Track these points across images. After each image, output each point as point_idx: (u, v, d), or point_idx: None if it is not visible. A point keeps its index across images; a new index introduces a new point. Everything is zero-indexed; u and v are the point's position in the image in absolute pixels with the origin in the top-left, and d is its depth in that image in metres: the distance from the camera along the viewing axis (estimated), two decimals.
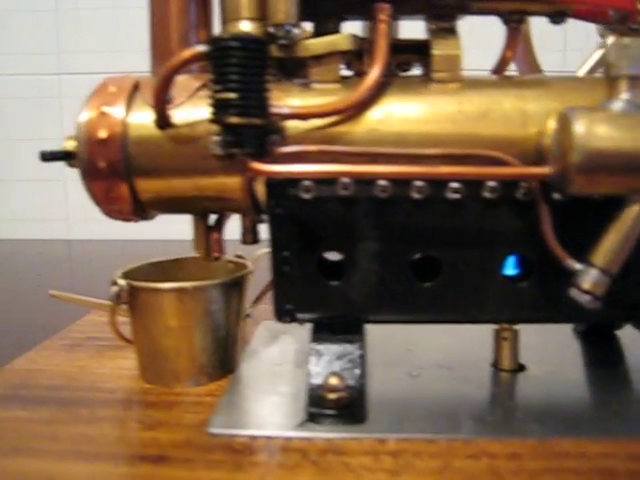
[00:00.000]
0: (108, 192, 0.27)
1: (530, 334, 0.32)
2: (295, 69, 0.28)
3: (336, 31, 0.28)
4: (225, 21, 0.27)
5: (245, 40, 0.23)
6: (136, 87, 0.28)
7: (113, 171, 0.27)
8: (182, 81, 0.27)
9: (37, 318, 0.51)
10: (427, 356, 0.33)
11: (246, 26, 0.27)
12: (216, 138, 0.24)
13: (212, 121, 0.24)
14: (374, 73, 0.25)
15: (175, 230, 0.91)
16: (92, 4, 0.87)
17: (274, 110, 0.24)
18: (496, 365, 0.32)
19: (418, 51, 0.29)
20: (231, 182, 0.27)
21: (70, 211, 0.91)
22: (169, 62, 0.25)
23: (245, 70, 0.23)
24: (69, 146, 0.29)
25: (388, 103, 0.26)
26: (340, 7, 0.27)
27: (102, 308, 0.36)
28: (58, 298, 0.35)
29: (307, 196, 0.26)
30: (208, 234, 0.30)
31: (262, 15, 0.27)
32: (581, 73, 0.31)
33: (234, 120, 0.23)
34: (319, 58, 0.26)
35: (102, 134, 0.26)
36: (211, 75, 0.24)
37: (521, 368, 0.32)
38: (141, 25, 0.91)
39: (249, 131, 0.23)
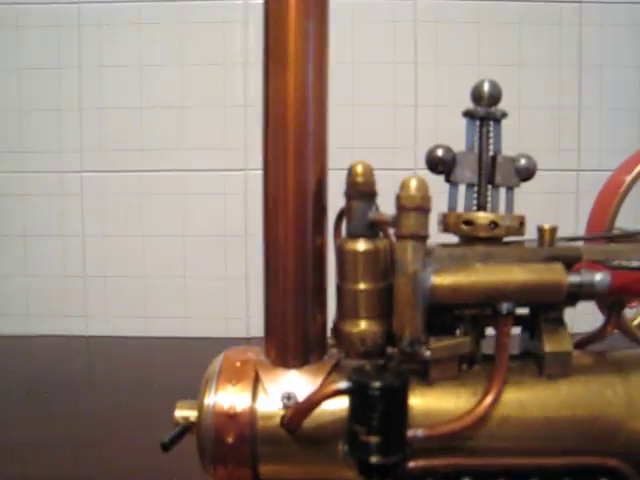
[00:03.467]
0: (229, 475, 0.28)
1: None
2: None
3: (451, 326, 0.29)
4: (344, 316, 0.28)
5: (389, 389, 0.24)
6: (257, 378, 0.28)
7: (238, 461, 0.28)
8: (304, 373, 0.28)
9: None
10: None
11: (365, 325, 0.28)
12: (345, 447, 0.26)
13: (350, 455, 0.25)
14: (495, 388, 0.27)
15: (193, 329, 0.92)
16: (116, 103, 0.88)
17: (410, 434, 0.25)
18: None
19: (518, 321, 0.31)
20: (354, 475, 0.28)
21: (89, 307, 0.91)
22: (312, 397, 0.25)
23: (388, 415, 0.24)
24: (181, 418, 0.29)
25: (505, 406, 0.27)
26: (458, 308, 0.28)
27: None
28: None
29: None
30: None
31: (380, 312, 0.28)
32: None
33: (375, 460, 0.24)
34: (440, 360, 0.28)
35: (230, 438, 0.27)
36: (350, 409, 0.25)
37: None
38: (164, 124, 0.93)
39: (388, 465, 0.25)
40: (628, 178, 0.35)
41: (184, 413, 0.29)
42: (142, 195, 0.89)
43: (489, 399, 0.27)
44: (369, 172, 0.27)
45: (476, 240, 0.29)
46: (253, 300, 0.88)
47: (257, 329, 0.88)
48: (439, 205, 0.29)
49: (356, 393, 0.24)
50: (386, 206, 0.28)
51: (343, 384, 0.24)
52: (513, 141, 0.92)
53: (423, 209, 0.25)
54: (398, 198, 0.26)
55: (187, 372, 0.75)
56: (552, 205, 0.86)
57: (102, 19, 0.87)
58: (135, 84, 0.87)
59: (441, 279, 0.26)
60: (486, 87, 0.30)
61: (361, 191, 0.27)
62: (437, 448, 0.27)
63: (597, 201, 0.36)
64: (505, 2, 0.86)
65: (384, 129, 0.87)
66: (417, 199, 0.25)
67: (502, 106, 0.95)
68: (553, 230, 0.29)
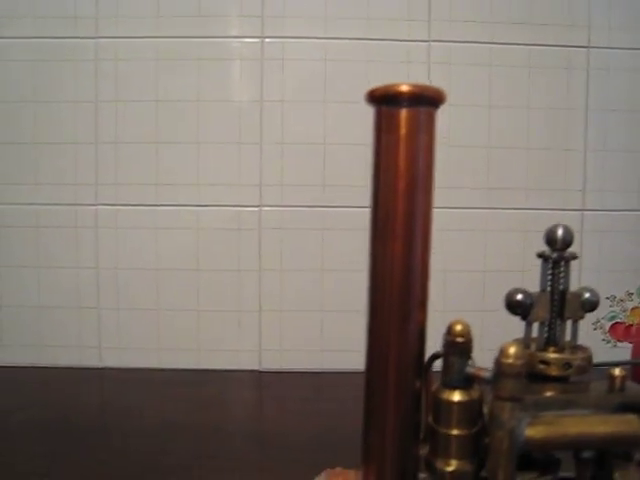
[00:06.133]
0: None
1: None
2: None
3: (531, 460, 0.32)
4: (437, 453, 0.31)
5: None
6: None
7: None
8: None
9: None
10: None
11: (457, 465, 0.31)
12: None
13: None
14: None
15: (206, 361, 0.94)
16: (132, 138, 0.89)
17: None
18: None
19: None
20: None
21: (103, 339, 0.92)
22: None
23: None
24: None
25: None
26: None
27: None
28: None
29: None
30: None
31: (470, 454, 0.31)
32: None
33: None
34: None
35: None
36: None
37: None
38: (179, 159, 0.94)
39: None
40: None
41: None
42: (156, 229, 0.90)
43: None
44: (467, 331, 0.30)
45: (548, 378, 0.32)
46: (265, 333, 0.91)
47: (269, 362, 0.91)
48: None
49: None
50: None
51: None
52: (521, 181, 0.95)
53: (521, 375, 0.28)
54: (498, 363, 0.28)
55: (202, 412, 0.77)
56: None
57: (119, 54, 0.87)
58: (151, 119, 0.88)
59: (533, 433, 0.29)
60: (559, 233, 0.33)
61: (460, 349, 0.30)
62: None
63: None
64: (515, 46, 0.88)
65: None
66: (516, 367, 0.28)
67: (512, 146, 0.99)
68: (623, 377, 0.32)
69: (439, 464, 0.31)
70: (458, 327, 0.30)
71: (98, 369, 0.91)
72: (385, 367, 0.30)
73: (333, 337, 0.89)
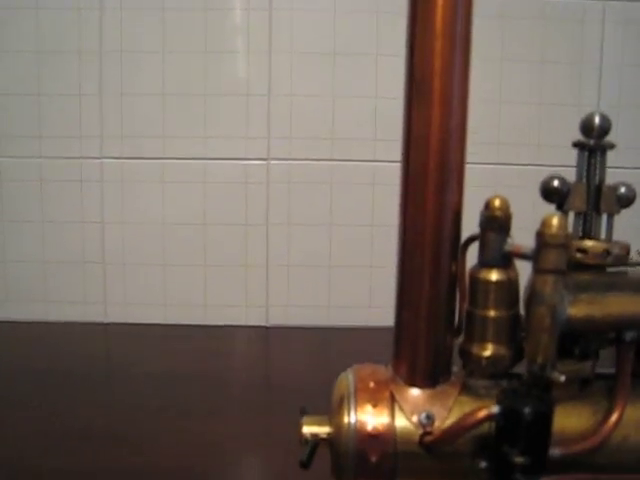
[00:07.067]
0: None
1: None
2: None
3: (570, 348, 0.31)
4: (472, 339, 0.30)
5: (541, 415, 0.26)
6: (392, 398, 0.30)
7: (379, 478, 0.29)
8: (436, 394, 0.30)
9: None
10: None
11: (493, 349, 0.30)
12: (484, 464, 0.27)
13: (492, 472, 0.27)
14: (618, 410, 0.29)
15: (213, 317, 0.93)
16: (138, 89, 0.87)
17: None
18: None
19: None
20: None
21: (108, 294, 0.91)
22: (463, 421, 0.27)
23: (537, 438, 0.26)
24: (310, 435, 0.31)
25: (625, 427, 0.29)
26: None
27: None
28: None
29: None
30: None
31: (507, 338, 0.30)
32: None
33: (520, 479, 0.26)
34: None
35: (373, 457, 0.29)
36: (498, 430, 0.26)
37: None
38: (186, 112, 0.92)
39: None
40: None
41: (313, 430, 0.31)
42: (163, 183, 0.89)
43: (613, 420, 0.29)
44: (506, 206, 0.29)
45: (584, 267, 0.31)
46: (273, 289, 0.89)
47: (276, 318, 0.90)
48: None
49: (508, 417, 0.26)
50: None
51: (495, 409, 0.26)
52: (533, 137, 0.93)
53: (564, 246, 0.27)
54: (541, 234, 0.27)
55: (207, 364, 0.76)
56: None
57: (124, 3, 0.86)
58: (157, 70, 0.86)
59: (576, 310, 0.28)
60: (597, 120, 0.32)
61: (499, 224, 0.28)
62: (561, 465, 0.29)
63: None
64: None
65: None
66: (560, 238, 0.27)
67: (524, 101, 0.97)
68: None
69: (475, 349, 0.30)
70: (497, 201, 0.28)
71: (103, 324, 0.90)
72: (421, 247, 0.29)
73: (341, 293, 0.88)
